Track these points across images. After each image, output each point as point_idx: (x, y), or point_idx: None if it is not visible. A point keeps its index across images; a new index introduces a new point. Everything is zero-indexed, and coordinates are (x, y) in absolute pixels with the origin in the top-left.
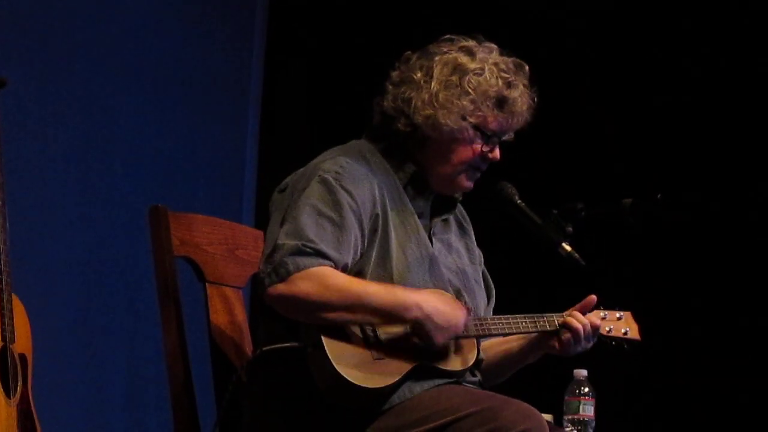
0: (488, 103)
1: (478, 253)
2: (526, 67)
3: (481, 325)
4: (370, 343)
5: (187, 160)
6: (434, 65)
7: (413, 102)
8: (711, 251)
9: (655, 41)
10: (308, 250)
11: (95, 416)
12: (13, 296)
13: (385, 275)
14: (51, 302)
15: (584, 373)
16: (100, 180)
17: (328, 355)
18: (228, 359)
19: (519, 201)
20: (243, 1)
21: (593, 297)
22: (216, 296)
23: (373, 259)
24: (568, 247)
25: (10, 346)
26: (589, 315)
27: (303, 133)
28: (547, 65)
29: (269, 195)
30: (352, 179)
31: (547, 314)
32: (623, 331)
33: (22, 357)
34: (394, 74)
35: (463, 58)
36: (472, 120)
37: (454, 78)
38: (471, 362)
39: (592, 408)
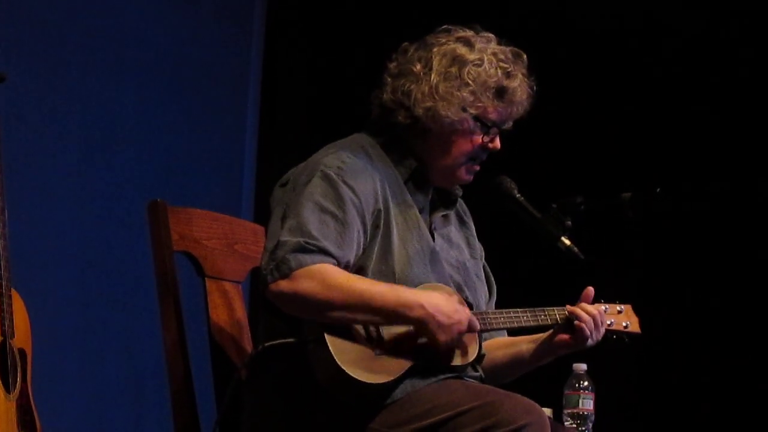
0: (488, 93)
1: (479, 247)
2: (524, 56)
3: (482, 319)
4: (373, 339)
5: (186, 154)
6: (433, 56)
7: (413, 94)
8: (710, 244)
9: (653, 35)
10: (311, 247)
11: (94, 411)
12: (13, 291)
13: (387, 270)
14: (50, 297)
15: (584, 367)
16: (99, 175)
17: (331, 350)
18: (228, 354)
19: (518, 195)
20: None
21: (591, 289)
22: (215, 291)
23: (375, 255)
24: (567, 241)
25: (10, 341)
26: (595, 306)
27: (302, 128)
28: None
29: (268, 189)
30: (354, 174)
31: (547, 308)
32: (624, 324)
33: (22, 352)
34: (392, 66)
35: (462, 49)
36: (472, 111)
37: (453, 69)
38: (472, 357)
39: (592, 402)
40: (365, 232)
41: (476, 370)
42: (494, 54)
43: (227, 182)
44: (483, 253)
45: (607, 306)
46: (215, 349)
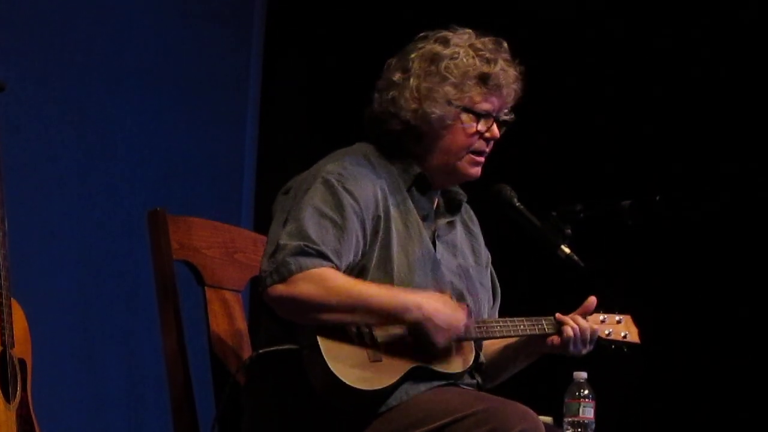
0: (470, 82)
1: (484, 254)
2: (505, 43)
3: (481, 327)
4: (367, 344)
5: (186, 163)
6: (411, 62)
7: (398, 101)
8: (710, 252)
9: (652, 42)
10: (310, 250)
11: (95, 420)
12: (13, 301)
13: (386, 277)
14: (50, 307)
15: (584, 375)
16: (99, 184)
17: (324, 356)
18: (227, 363)
19: (518, 203)
20: (240, 6)
21: (593, 299)
22: (215, 300)
23: (374, 261)
24: (567, 249)
25: (10, 350)
26: (587, 322)
27: (302, 136)
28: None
29: (268, 198)
30: (355, 180)
31: (545, 317)
32: (623, 334)
33: (22, 362)
34: (379, 83)
35: (438, 48)
36: (458, 103)
37: (432, 68)
38: (469, 364)
39: (592, 410)
40: (365, 237)
41: (473, 377)
42: (471, 45)
43: (227, 191)
44: (490, 260)
45: (605, 316)
46: (215, 357)
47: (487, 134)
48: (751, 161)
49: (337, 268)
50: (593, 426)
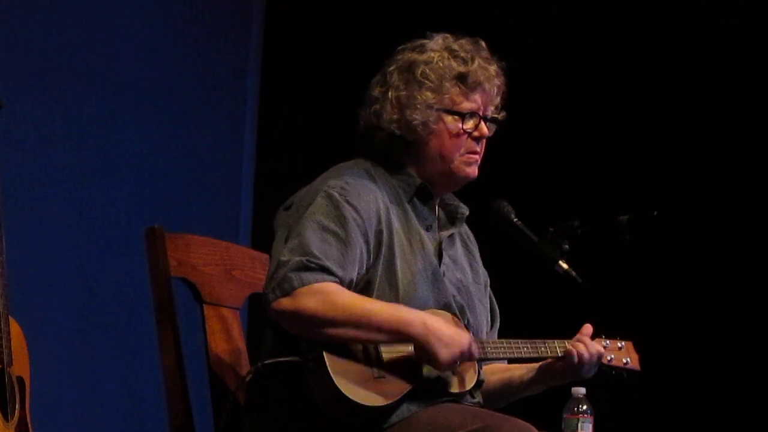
0: (448, 84)
1: (482, 273)
2: (482, 42)
3: (486, 347)
4: (372, 361)
5: (184, 180)
6: (389, 76)
7: (380, 114)
8: (708, 267)
9: (650, 57)
10: (313, 265)
11: None
12: (11, 319)
13: (392, 290)
14: (48, 325)
15: (583, 390)
16: (96, 201)
17: (329, 370)
18: (226, 380)
19: (515, 219)
20: (239, 22)
21: (589, 326)
22: (213, 317)
23: (379, 275)
24: (564, 265)
25: (8, 369)
26: (594, 343)
27: (300, 153)
28: (542, 84)
29: (266, 215)
30: (357, 194)
31: (548, 341)
32: (624, 361)
33: (20, 380)
34: (364, 101)
35: (414, 56)
36: (438, 105)
37: (409, 76)
38: (471, 384)
39: (591, 426)
40: (368, 251)
41: (474, 397)
42: (446, 48)
43: (225, 208)
44: (488, 280)
45: (608, 342)
46: (213, 375)
47: (475, 133)
48: (749, 176)
49: (341, 282)
50: None
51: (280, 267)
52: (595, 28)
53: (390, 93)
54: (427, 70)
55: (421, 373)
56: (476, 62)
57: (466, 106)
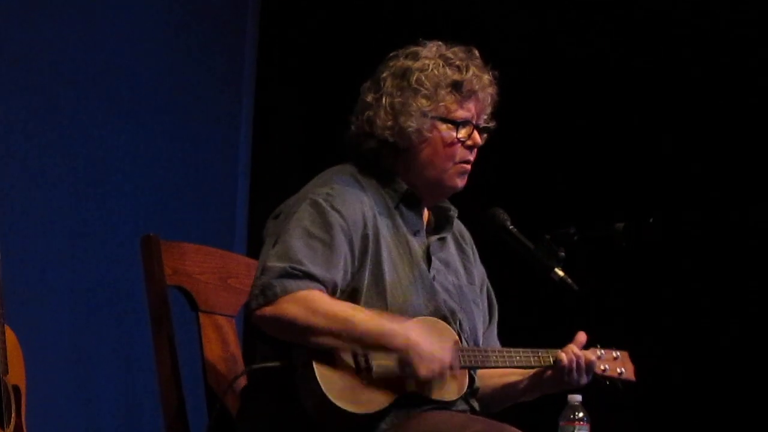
0: (443, 92)
1: (477, 273)
2: (476, 51)
3: (476, 355)
4: (361, 368)
5: (179, 188)
6: (382, 81)
7: (374, 121)
8: (703, 274)
9: (645, 62)
10: (296, 272)
11: None
12: (6, 327)
13: (379, 297)
14: (44, 333)
15: (579, 398)
16: (92, 210)
17: (317, 377)
18: (221, 388)
19: (511, 227)
20: (233, 29)
21: (583, 334)
22: (209, 325)
23: (366, 281)
24: (560, 272)
25: (4, 377)
26: (585, 352)
27: (295, 161)
28: (538, 89)
29: (262, 223)
30: (343, 200)
31: (541, 350)
32: (619, 371)
33: (16, 388)
34: (356, 107)
35: (408, 62)
36: (433, 113)
37: (403, 83)
38: (464, 390)
39: None
40: (353, 256)
41: (467, 403)
42: (441, 56)
43: (220, 216)
44: (485, 278)
45: (602, 352)
46: (209, 383)
47: (469, 142)
48: (746, 183)
49: (326, 289)
50: None
51: (264, 274)
52: (589, 36)
53: (384, 99)
54: (423, 77)
55: (411, 380)
56: (471, 71)
57: (461, 114)
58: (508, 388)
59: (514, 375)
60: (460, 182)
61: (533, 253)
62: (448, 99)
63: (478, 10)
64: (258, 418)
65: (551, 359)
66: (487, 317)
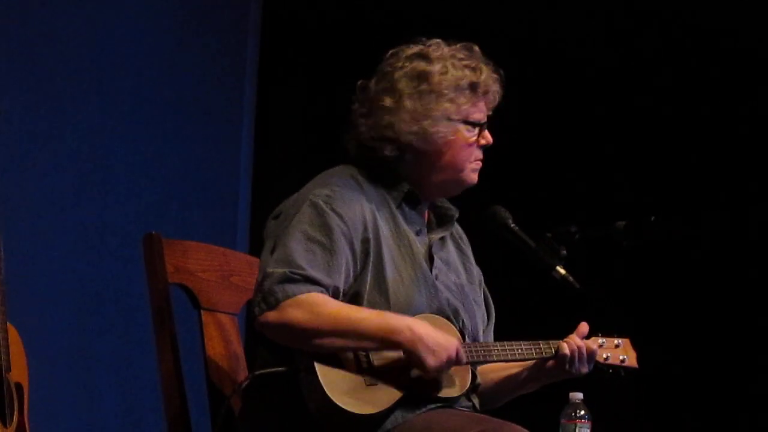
0: (464, 95)
1: (476, 273)
2: (476, 47)
3: (478, 350)
4: (363, 368)
5: (181, 186)
6: (396, 83)
7: (395, 125)
8: (705, 273)
9: (645, 62)
10: (297, 277)
11: None
12: (9, 325)
13: (382, 298)
14: (46, 331)
15: (580, 396)
16: (94, 208)
17: (320, 380)
18: (223, 386)
19: (512, 225)
20: (235, 29)
21: (585, 324)
22: (211, 323)
23: (368, 282)
24: (562, 270)
25: (6, 375)
26: (587, 341)
27: (297, 159)
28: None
29: (264, 221)
30: (343, 202)
31: (542, 341)
32: (621, 358)
33: (18, 386)
34: (358, 107)
35: (422, 65)
36: (456, 117)
37: (424, 86)
38: (466, 387)
39: (588, 431)
40: (355, 259)
41: (469, 400)
42: (452, 56)
43: (222, 214)
44: (482, 278)
45: (604, 340)
46: (211, 381)
47: (482, 141)
48: (747, 181)
49: (327, 292)
50: None
51: (266, 279)
52: (591, 35)
53: (406, 103)
54: (444, 82)
55: (414, 379)
56: (484, 71)
57: (477, 116)
58: (509, 381)
59: (514, 367)
60: (475, 177)
61: (535, 251)
62: (466, 100)
63: (479, 10)
64: (260, 420)
65: (553, 350)
66: (485, 317)
